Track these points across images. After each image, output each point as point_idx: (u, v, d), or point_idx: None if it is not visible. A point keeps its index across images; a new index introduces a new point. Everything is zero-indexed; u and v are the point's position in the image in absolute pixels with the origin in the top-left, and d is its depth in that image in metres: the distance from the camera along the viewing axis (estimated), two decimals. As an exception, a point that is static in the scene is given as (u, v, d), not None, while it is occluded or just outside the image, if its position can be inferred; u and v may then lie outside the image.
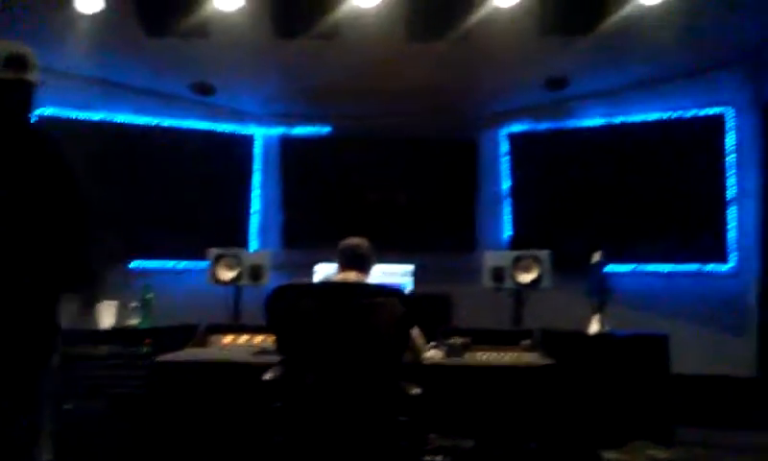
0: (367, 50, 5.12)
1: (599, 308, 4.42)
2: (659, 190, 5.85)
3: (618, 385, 4.07)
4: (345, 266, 3.46)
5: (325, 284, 3.00)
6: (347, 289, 3.06)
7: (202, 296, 5.19)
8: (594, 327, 4.39)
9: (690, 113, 5.81)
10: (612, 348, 4.25)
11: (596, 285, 4.46)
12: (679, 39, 4.92)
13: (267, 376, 2.92)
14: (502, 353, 3.92)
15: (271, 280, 4.85)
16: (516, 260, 4.93)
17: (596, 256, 4.52)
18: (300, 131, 6.55)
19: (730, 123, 5.71)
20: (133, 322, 4.39)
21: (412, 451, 3.15)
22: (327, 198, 6.40)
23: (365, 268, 3.45)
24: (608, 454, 3.26)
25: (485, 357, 3.82)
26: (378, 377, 2.88)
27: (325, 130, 6.50)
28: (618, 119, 6.02)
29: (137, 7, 4.68)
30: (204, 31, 4.83)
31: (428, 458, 3.33)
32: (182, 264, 6.08)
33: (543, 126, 6.28)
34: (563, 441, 3.51)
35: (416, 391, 2.91)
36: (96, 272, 2.70)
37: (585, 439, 3.47)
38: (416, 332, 3.36)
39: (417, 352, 3.41)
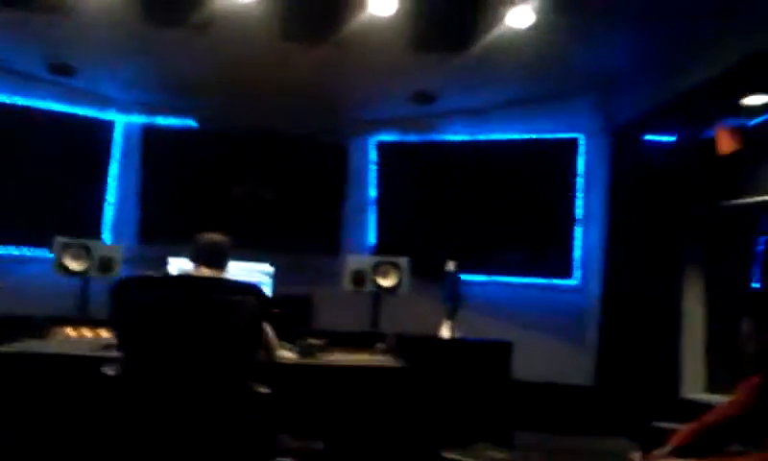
0: (240, 45, 5.03)
1: (451, 315, 4.59)
2: (514, 206, 6.18)
3: (465, 389, 4.24)
4: (200, 261, 3.39)
5: (177, 278, 2.91)
6: (199, 284, 2.98)
7: (47, 287, 4.92)
8: (446, 333, 4.56)
9: (546, 136, 6.16)
10: (461, 353, 4.43)
11: (450, 293, 4.64)
12: (539, 65, 5.22)
13: (108, 372, 2.81)
14: (356, 355, 3.98)
15: (123, 274, 4.67)
16: (377, 265, 5.05)
17: (451, 265, 4.70)
18: (165, 121, 6.31)
19: (581, 147, 6.10)
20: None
21: (261, 452, 3.13)
22: (189, 192, 6.21)
23: (220, 264, 3.39)
24: (450, 455, 3.38)
25: (338, 358, 3.86)
26: (227, 376, 2.83)
27: (191, 123, 6.31)
28: (481, 137, 6.28)
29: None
30: (63, 7, 4.56)
31: (278, 460, 3.31)
32: (28, 252, 5.69)
33: (410, 138, 6.44)
34: (408, 441, 3.61)
35: (264, 390, 2.90)
36: None
37: (430, 439, 3.59)
38: (269, 331, 3.34)
39: (270, 351, 3.39)
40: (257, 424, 2.91)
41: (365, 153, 6.56)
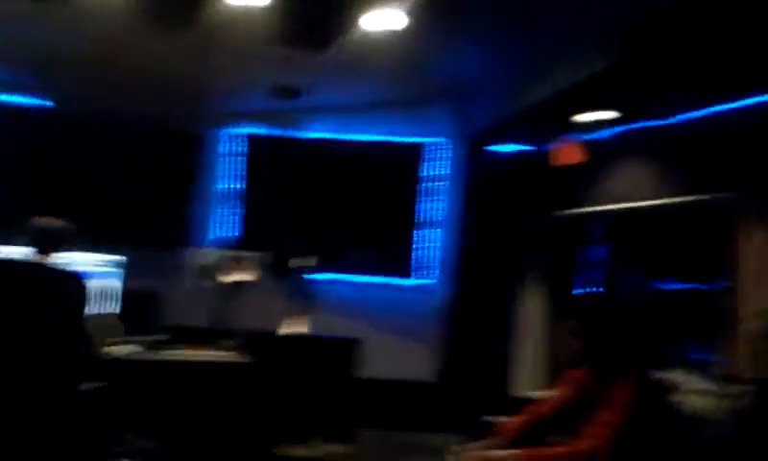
0: (101, 24, 4.77)
1: (302, 312, 4.61)
2: (367, 206, 6.31)
3: (311, 385, 4.26)
4: (34, 246, 3.19)
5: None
6: (12, 270, 2.79)
7: None
8: (295, 329, 4.57)
9: (400, 139, 6.32)
10: (309, 349, 4.46)
11: (301, 290, 4.66)
12: (402, 69, 5.34)
13: None
14: (203, 351, 3.91)
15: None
16: (229, 260, 4.97)
17: (302, 262, 4.71)
18: (16, 99, 5.87)
19: (435, 152, 6.31)
20: None
21: (98, 451, 3.01)
22: (38, 177, 5.81)
23: (55, 249, 3.20)
24: (282, 451, 3.40)
25: (184, 354, 3.77)
26: (49, 369, 2.69)
27: (46, 101, 5.91)
28: (343, 136, 6.34)
29: None
30: None
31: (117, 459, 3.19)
32: None
33: (273, 132, 6.39)
34: (247, 437, 3.59)
35: (94, 385, 2.79)
36: None
37: (269, 436, 3.58)
38: (98, 321, 3.21)
39: (95, 344, 3.24)
40: (85, 420, 2.79)
41: (223, 144, 6.42)
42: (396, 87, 5.82)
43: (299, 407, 3.94)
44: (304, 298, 4.67)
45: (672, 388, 3.17)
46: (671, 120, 4.48)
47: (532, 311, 6.00)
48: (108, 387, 2.86)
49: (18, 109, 5.87)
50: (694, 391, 3.14)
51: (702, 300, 4.96)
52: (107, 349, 3.36)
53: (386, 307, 6.20)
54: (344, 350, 4.39)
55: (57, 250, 3.22)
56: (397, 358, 5.99)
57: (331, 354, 4.39)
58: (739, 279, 3.81)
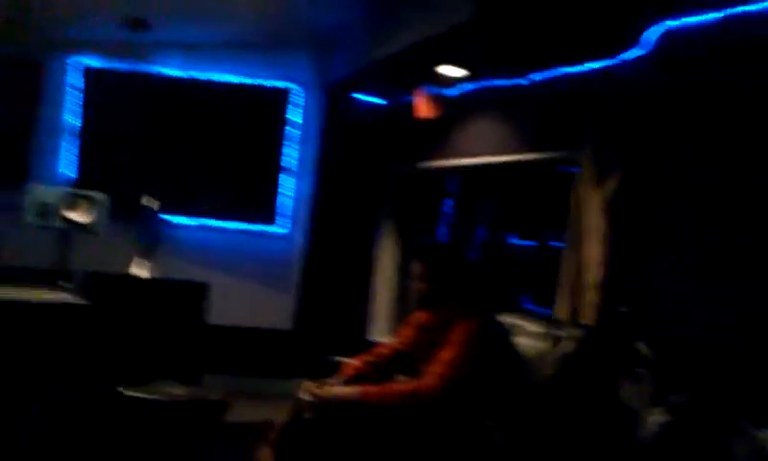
0: None
1: (147, 254, 4.43)
2: (223, 150, 6.09)
3: (158, 329, 4.13)
4: None
5: None
6: None
7: None
8: (141, 272, 4.38)
9: (262, 83, 6.12)
10: (155, 293, 4.30)
11: (146, 230, 4.46)
12: (261, 10, 5.19)
13: None
14: (37, 292, 3.66)
15: None
16: (69, 199, 4.66)
17: (149, 202, 4.51)
18: None
19: (295, 99, 6.19)
20: None
21: None
22: None
23: None
24: (127, 391, 3.29)
25: (15, 294, 3.51)
26: None
27: None
28: (197, 74, 6.05)
29: None
30: None
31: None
32: None
33: (120, 65, 5.99)
34: (90, 380, 3.43)
35: None
36: None
37: (113, 378, 3.45)
38: None
39: None
40: None
41: (65, 74, 5.94)
42: (255, 28, 5.66)
43: (143, 350, 3.81)
44: (150, 240, 4.47)
45: (509, 331, 3.36)
46: (523, 79, 4.66)
47: (387, 260, 6.12)
48: None
49: None
50: (527, 333, 3.33)
51: (542, 254, 5.29)
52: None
53: (244, 254, 6.10)
54: (190, 293, 4.26)
55: None
56: (255, 306, 5.97)
57: (177, 298, 4.25)
58: (575, 234, 4.06)
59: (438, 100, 5.37)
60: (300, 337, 6.06)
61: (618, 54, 3.84)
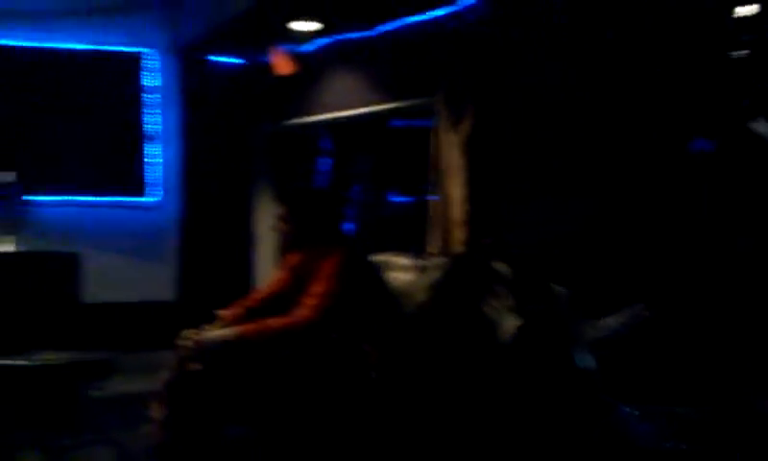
0: None
1: (11, 229, 4.30)
2: (84, 122, 5.86)
3: (27, 302, 4.02)
4: None
5: None
6: None
7: None
8: (5, 248, 4.26)
9: (114, 49, 5.94)
10: (22, 266, 4.18)
11: (8, 207, 4.32)
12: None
13: None
14: None
15: None
16: None
17: (7, 177, 4.36)
18: None
19: (151, 63, 6.04)
20: None
21: None
22: None
23: None
24: (4, 361, 3.23)
25: None
26: None
27: None
28: (46, 44, 5.79)
29: None
30: None
31: None
32: None
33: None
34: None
35: None
36: None
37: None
38: None
39: None
40: None
41: None
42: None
43: (19, 324, 3.72)
44: (12, 217, 4.33)
45: (382, 266, 3.57)
46: (374, 31, 4.84)
47: (264, 219, 6.16)
48: None
49: None
50: (398, 267, 3.55)
51: (420, 208, 5.50)
52: None
53: (114, 228, 5.91)
54: (60, 265, 4.18)
55: None
56: (132, 280, 5.81)
57: (46, 271, 4.16)
58: (438, 176, 4.31)
59: (294, 56, 5.45)
60: (183, 306, 6.01)
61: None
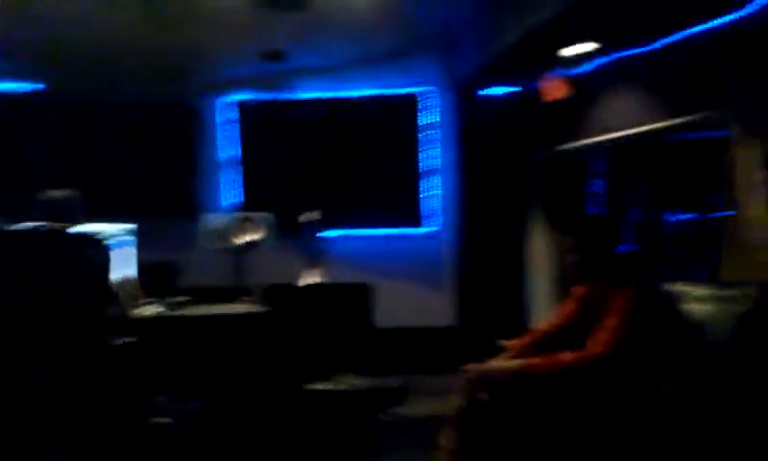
0: (85, 5, 4.86)
1: (312, 263, 4.77)
2: (366, 162, 6.46)
3: (329, 330, 4.41)
4: (45, 218, 3.29)
5: (13, 232, 2.81)
6: (37, 237, 2.91)
7: None
8: (310, 281, 4.74)
9: (394, 92, 6.43)
10: (323, 297, 4.60)
11: (309, 242, 4.81)
12: (383, 22, 5.42)
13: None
14: (223, 306, 4.06)
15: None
16: (238, 222, 5.12)
17: (309, 217, 4.86)
18: (10, 86, 5.98)
19: (428, 101, 6.41)
20: None
21: (138, 412, 3.13)
22: (36, 159, 5.95)
23: (68, 219, 3.31)
24: (312, 386, 3.56)
25: (205, 309, 3.92)
26: (80, 329, 2.77)
27: (39, 86, 5.99)
28: (333, 93, 6.44)
29: None
30: None
31: (157, 420, 3.32)
32: None
33: (265, 96, 6.48)
34: (276, 380, 3.76)
35: (123, 341, 2.90)
36: None
37: (296, 376, 3.75)
38: (125, 283, 3.33)
39: (122, 304, 3.37)
40: (123, 378, 2.92)
41: (219, 112, 6.53)
42: (381, 40, 5.90)
43: (320, 350, 4.10)
44: (314, 252, 4.83)
45: (676, 298, 3.32)
46: (653, 45, 4.57)
47: (539, 245, 6.11)
48: (137, 343, 2.98)
49: (17, 96, 5.97)
50: (695, 298, 3.28)
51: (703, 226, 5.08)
52: (133, 310, 3.50)
53: (397, 258, 6.35)
54: (356, 294, 4.54)
55: (65, 220, 3.30)
56: (414, 306, 6.15)
57: (346, 299, 4.53)
58: (733, 196, 3.93)
59: (566, 80, 5.35)
60: (462, 332, 6.18)
61: (744, 4, 3.70)
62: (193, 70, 6.21)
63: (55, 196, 3.34)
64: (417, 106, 6.41)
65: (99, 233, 3.32)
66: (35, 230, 3.14)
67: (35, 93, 6.04)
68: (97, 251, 2.79)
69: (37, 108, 6.05)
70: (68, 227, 3.25)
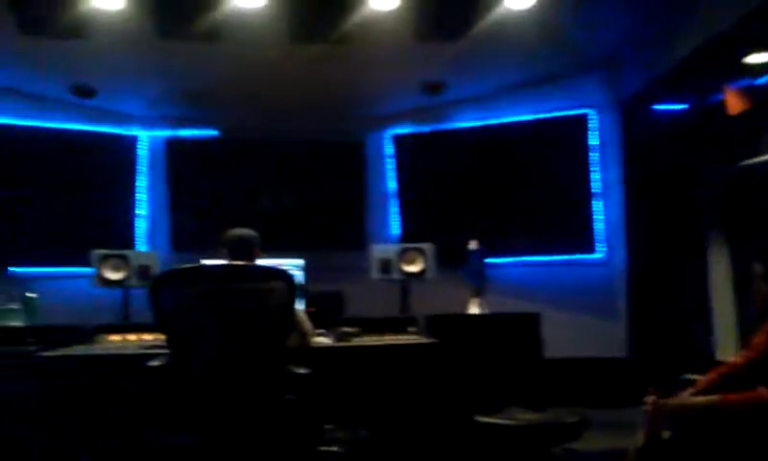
0: (251, 52, 5.19)
1: (477, 292, 4.71)
2: (531, 187, 6.27)
3: (497, 361, 4.33)
4: (230, 256, 3.52)
5: (211, 267, 3.05)
6: (231, 272, 3.09)
7: (88, 300, 5.11)
8: (473, 310, 4.68)
9: (557, 114, 6.23)
10: (490, 327, 4.53)
11: (474, 272, 4.76)
12: (542, 45, 5.30)
13: (152, 363, 2.92)
14: (390, 337, 4.11)
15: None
16: (403, 253, 5.17)
17: (473, 244, 4.82)
18: (187, 133, 6.48)
19: (592, 122, 6.17)
20: (16, 323, 4.28)
21: (307, 435, 3.23)
22: (216, 201, 6.39)
23: (250, 256, 3.52)
24: (483, 419, 3.49)
25: (373, 340, 3.98)
26: (266, 359, 2.91)
27: (212, 132, 6.48)
28: (493, 121, 6.37)
29: (11, 5, 4.54)
30: (81, 31, 4.73)
31: (324, 448, 3.40)
32: (66, 269, 5.83)
33: (424, 128, 6.55)
34: (444, 411, 3.73)
35: (303, 370, 3.00)
36: None
37: (464, 408, 3.70)
38: (302, 316, 3.46)
39: (304, 335, 3.51)
40: (300, 406, 3.01)
41: (381, 146, 6.68)
42: (538, 64, 5.78)
43: (488, 382, 4.04)
44: (478, 281, 4.77)
45: None
46: None
47: (721, 269, 5.66)
48: (314, 374, 3.07)
49: (191, 142, 6.47)
50: None
51: None
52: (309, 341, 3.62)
53: (564, 285, 6.09)
54: (526, 324, 4.44)
55: (251, 257, 3.54)
56: (584, 336, 5.88)
57: (514, 329, 4.45)
58: None
59: (750, 91, 4.95)
60: (636, 363, 5.83)
61: None
62: (357, 106, 6.41)
63: (237, 234, 3.56)
64: (585, 127, 6.18)
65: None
66: (228, 265, 3.34)
67: (210, 139, 6.50)
68: (285, 283, 2.92)
69: (213, 152, 6.49)
70: (249, 263, 3.44)
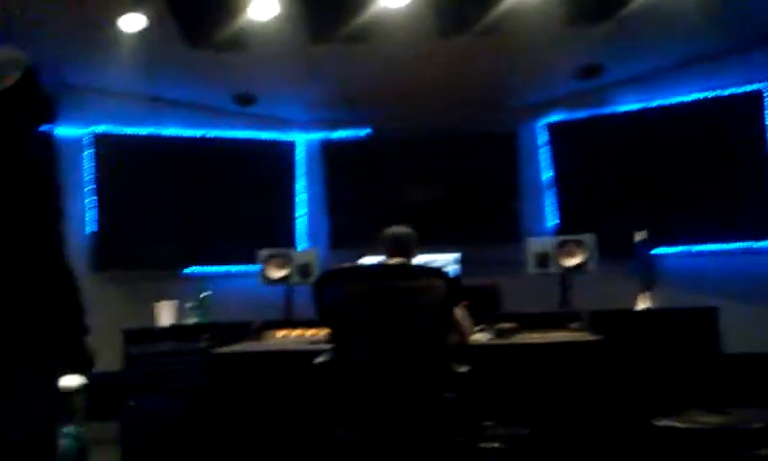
0: (399, 50, 5.22)
1: (646, 287, 4.43)
2: (700, 170, 5.78)
3: (670, 360, 4.05)
4: (388, 254, 3.55)
5: (371, 266, 3.06)
6: (391, 270, 3.11)
7: (254, 297, 5.40)
8: (642, 305, 4.40)
9: (727, 92, 5.72)
10: (662, 323, 4.24)
11: (642, 264, 4.47)
12: (710, 19, 4.89)
13: (318, 360, 3.01)
14: (551, 334, 3.95)
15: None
16: (561, 246, 4.97)
17: (640, 236, 4.53)
18: (340, 134, 6.65)
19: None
20: (192, 320, 4.59)
21: (467, 432, 3.19)
22: (371, 198, 6.50)
23: (406, 254, 3.53)
24: (661, 422, 3.26)
25: (534, 337, 3.85)
26: (425, 357, 2.91)
27: (365, 131, 6.59)
28: (655, 102, 5.97)
29: (178, 22, 4.86)
30: (241, 42, 4.99)
31: (484, 445, 3.35)
32: (235, 268, 6.23)
33: (581, 114, 6.26)
34: (616, 413, 3.54)
35: (463, 369, 2.96)
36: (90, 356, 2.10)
37: (638, 410, 3.49)
38: (461, 313, 3.41)
39: (462, 333, 3.46)
40: (460, 404, 2.97)
41: (535, 136, 6.49)
42: (701, 40, 5.35)
43: (662, 383, 3.79)
44: (645, 273, 4.48)
45: None
46: None
47: None
48: (474, 371, 3.01)
49: (345, 143, 6.65)
50: None
51: None
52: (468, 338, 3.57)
53: (741, 275, 5.57)
54: (704, 320, 4.10)
55: (408, 255, 3.54)
56: (764, 330, 5.37)
57: (690, 326, 4.13)
58: None
59: None
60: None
61: None
62: (507, 96, 6.27)
63: (395, 232, 3.59)
64: (757, 104, 5.60)
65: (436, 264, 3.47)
66: (384, 264, 3.39)
67: (362, 139, 6.61)
68: (442, 281, 2.90)
69: (366, 151, 6.60)
70: (406, 260, 3.46)
